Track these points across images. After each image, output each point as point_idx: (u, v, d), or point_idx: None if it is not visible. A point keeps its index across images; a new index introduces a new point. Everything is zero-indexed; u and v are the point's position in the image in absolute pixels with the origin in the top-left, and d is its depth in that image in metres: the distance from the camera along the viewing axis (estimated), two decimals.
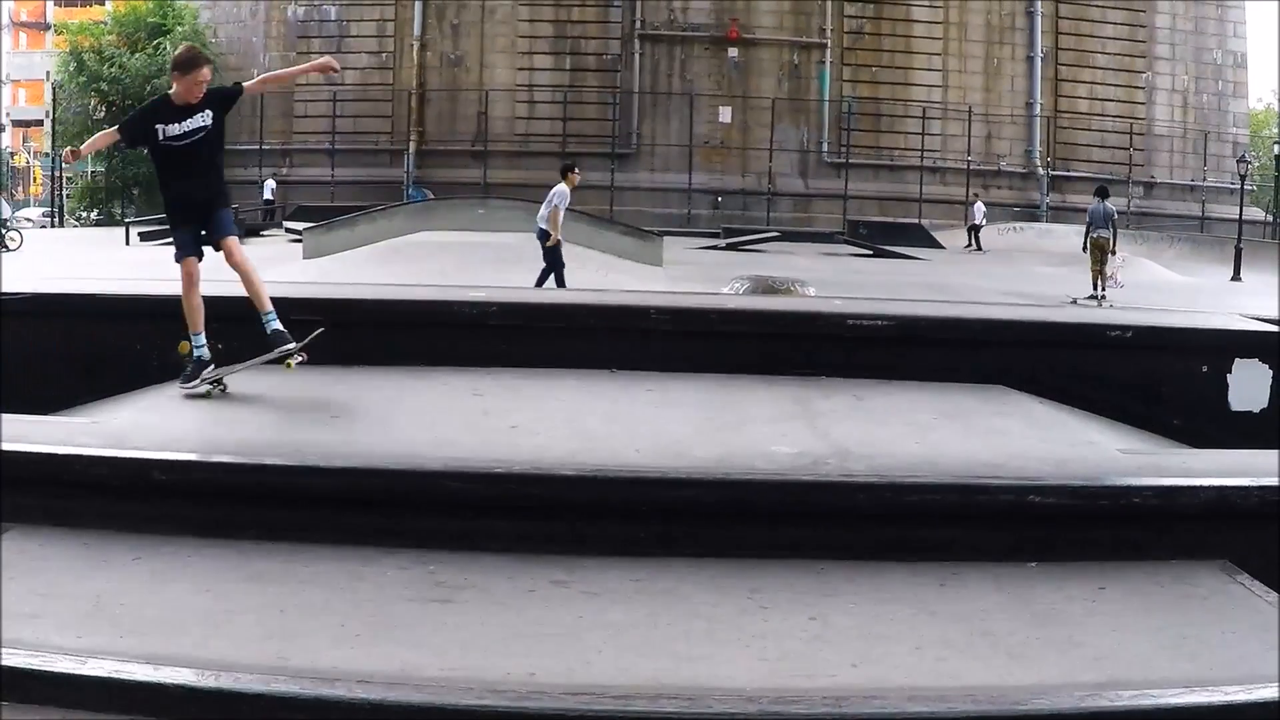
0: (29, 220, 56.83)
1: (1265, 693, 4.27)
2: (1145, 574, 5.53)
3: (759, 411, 7.41)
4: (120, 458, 5.81)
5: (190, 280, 7.66)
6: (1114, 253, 25.51)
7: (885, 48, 55.45)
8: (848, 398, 7.90)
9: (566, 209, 19.76)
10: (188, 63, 7.61)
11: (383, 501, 5.73)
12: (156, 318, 8.58)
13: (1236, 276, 35.32)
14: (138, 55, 53.91)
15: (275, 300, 7.80)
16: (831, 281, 20.47)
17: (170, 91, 7.64)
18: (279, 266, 21.99)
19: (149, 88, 52.81)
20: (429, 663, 4.31)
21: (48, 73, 61.59)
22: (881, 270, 28.80)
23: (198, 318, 7.69)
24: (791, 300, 12.91)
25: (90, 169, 59.11)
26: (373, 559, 5.33)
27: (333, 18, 55.95)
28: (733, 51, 54.31)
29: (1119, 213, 27.13)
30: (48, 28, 70.16)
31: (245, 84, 8.33)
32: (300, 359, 7.69)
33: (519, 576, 5.21)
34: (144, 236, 34.32)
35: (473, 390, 7.77)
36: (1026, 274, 25.73)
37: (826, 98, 54.84)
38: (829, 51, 54.71)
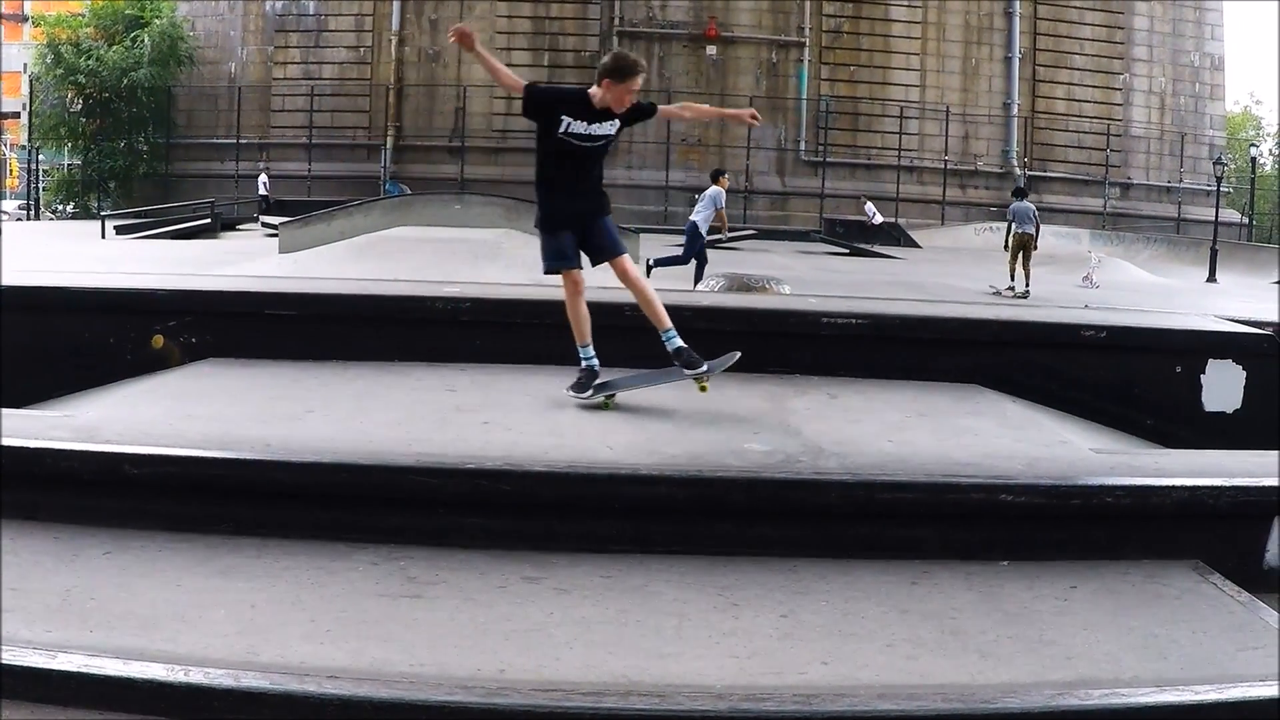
0: (4, 213, 56.49)
1: (1235, 692, 4.30)
2: (1117, 573, 5.56)
3: (732, 409, 7.42)
4: (91, 451, 5.78)
5: (576, 289, 7.49)
6: (1036, 248, 25.96)
7: (863, 47, 55.44)
8: (821, 396, 7.92)
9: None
10: (625, 70, 7.27)
11: (354, 496, 5.72)
12: (129, 311, 8.55)
13: (1212, 278, 35.39)
14: (115, 48, 53.55)
15: (249, 295, 7.77)
16: (807, 280, 20.49)
17: (591, 90, 7.33)
18: (255, 261, 21.92)
19: (126, 80, 52.70)
20: (399, 658, 4.31)
21: (25, 65, 61.19)
22: (857, 269, 28.82)
23: (585, 328, 7.56)
24: (766, 298, 12.90)
25: (67, 162, 58.89)
26: (343, 554, 5.33)
27: (311, 12, 55.73)
28: (711, 50, 54.27)
29: (1092, 213, 27.29)
30: (25, 20, 69.74)
31: (660, 107, 7.88)
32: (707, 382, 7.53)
33: (490, 573, 5.21)
34: (120, 230, 34.11)
35: (446, 385, 7.76)
36: (1001, 274, 25.72)
37: (804, 96, 54.81)
38: (807, 50, 54.65)
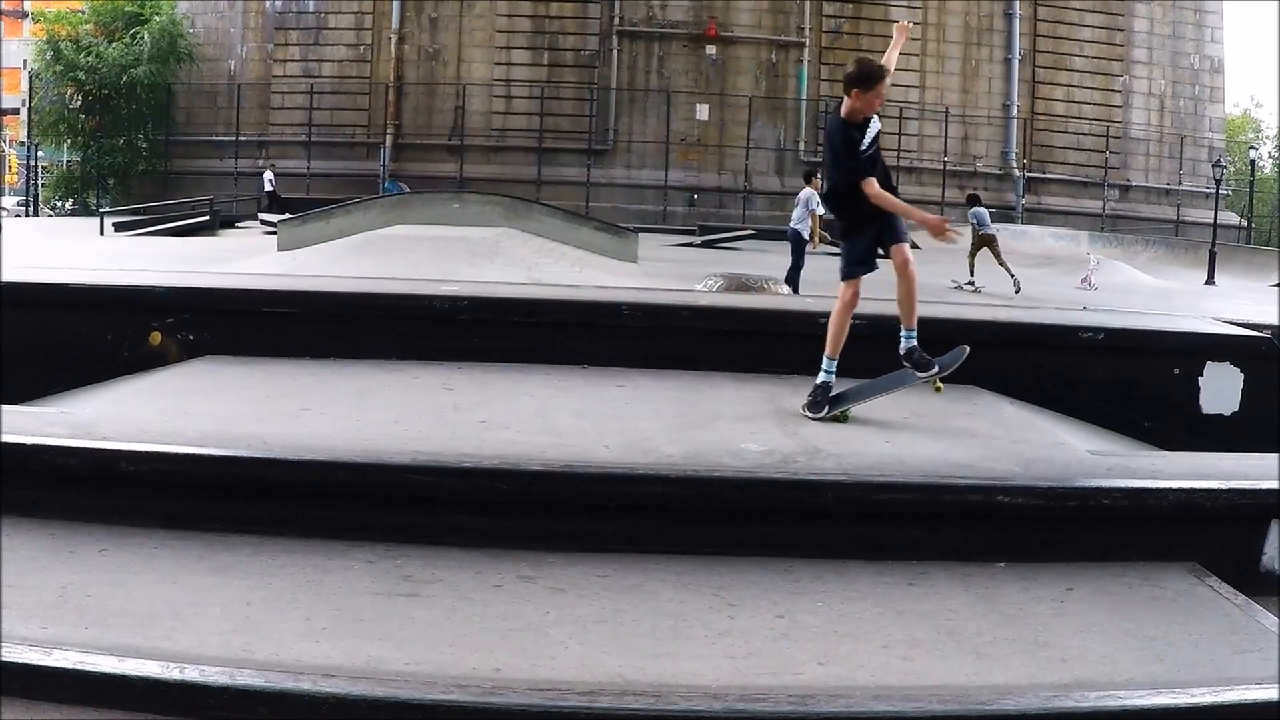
0: (4, 209, 56.40)
1: (1231, 695, 4.29)
2: (1113, 575, 5.55)
3: (729, 409, 7.42)
4: (88, 448, 5.78)
5: (854, 302, 7.54)
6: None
7: (863, 47, 54.97)
8: None
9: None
10: (873, 77, 7.36)
11: (350, 495, 5.72)
12: (127, 308, 8.54)
13: (1210, 280, 35.37)
14: (115, 45, 53.41)
15: (247, 292, 7.75)
16: (804, 279, 20.45)
17: (844, 110, 7.47)
18: (253, 258, 21.91)
19: (125, 77, 52.55)
20: (394, 657, 4.31)
21: (24, 61, 61.07)
22: None
23: (842, 341, 7.56)
24: (764, 298, 12.90)
25: (66, 159, 58.77)
26: (339, 552, 5.33)
27: (310, 9, 55.63)
28: (711, 49, 54.18)
29: (1091, 215, 27.95)
30: (25, 16, 69.62)
31: None
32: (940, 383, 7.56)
33: (486, 571, 5.21)
34: (118, 227, 34.09)
35: (443, 384, 7.76)
36: (998, 274, 25.78)
37: (804, 97, 54.70)
38: (807, 51, 54.54)
